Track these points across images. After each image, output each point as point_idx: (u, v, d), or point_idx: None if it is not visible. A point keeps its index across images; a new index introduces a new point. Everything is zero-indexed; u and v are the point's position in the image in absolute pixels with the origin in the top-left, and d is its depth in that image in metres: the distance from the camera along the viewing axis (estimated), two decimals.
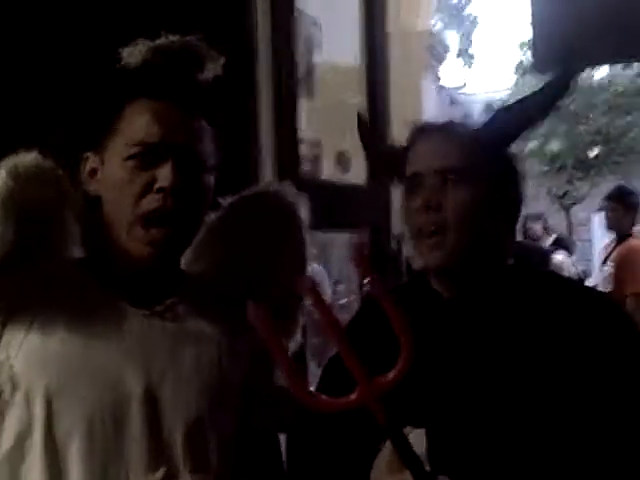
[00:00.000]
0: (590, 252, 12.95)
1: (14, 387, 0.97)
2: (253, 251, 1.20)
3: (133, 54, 1.04)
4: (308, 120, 2.16)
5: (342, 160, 2.19)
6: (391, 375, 0.86)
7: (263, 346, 1.11)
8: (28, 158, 1.01)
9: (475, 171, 1.08)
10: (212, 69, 1.08)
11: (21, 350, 0.98)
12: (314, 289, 0.86)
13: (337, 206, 2.02)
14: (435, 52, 4.63)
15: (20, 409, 0.97)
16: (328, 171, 2.14)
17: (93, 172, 1.07)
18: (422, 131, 1.15)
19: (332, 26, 2.21)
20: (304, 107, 2.03)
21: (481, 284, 1.10)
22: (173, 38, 1.04)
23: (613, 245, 4.25)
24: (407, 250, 1.14)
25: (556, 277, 1.17)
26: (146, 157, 1.01)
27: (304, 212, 1.25)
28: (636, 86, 15.07)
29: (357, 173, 2.27)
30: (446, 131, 1.13)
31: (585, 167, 15.80)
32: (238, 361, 1.10)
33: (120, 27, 1.07)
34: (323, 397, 0.89)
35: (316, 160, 2.08)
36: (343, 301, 4.21)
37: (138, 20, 1.05)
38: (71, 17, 1.46)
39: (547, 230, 5.89)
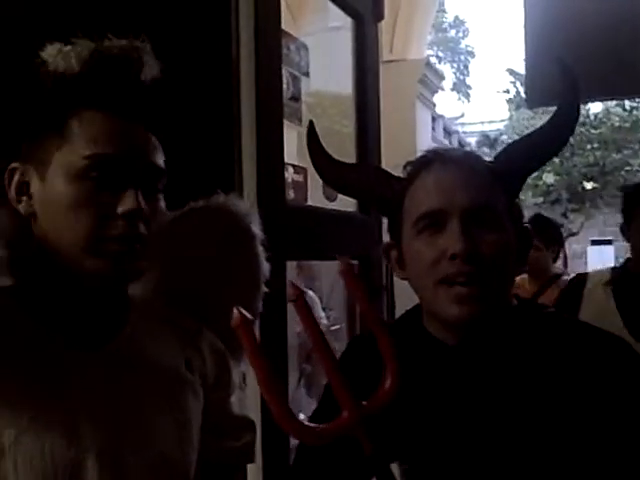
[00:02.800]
0: None
1: None
2: (200, 267, 1.10)
3: (68, 56, 0.91)
4: (298, 147, 2.12)
5: (329, 188, 2.15)
6: (377, 399, 0.80)
7: (216, 374, 1.05)
8: None
9: (500, 210, 0.99)
10: (150, 70, 0.96)
11: None
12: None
13: (324, 234, 1.98)
14: (429, 82, 4.63)
15: None
16: (314, 199, 2.10)
17: (23, 186, 0.93)
18: (434, 160, 1.02)
19: (323, 52, 2.19)
20: (294, 133, 1.99)
21: (489, 330, 1.00)
22: (116, 41, 0.93)
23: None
24: (423, 296, 1.03)
25: (562, 317, 1.08)
26: (103, 176, 0.89)
27: (256, 225, 1.15)
28: (632, 122, 15.21)
29: (344, 202, 2.23)
30: (467, 163, 1.01)
31: (580, 200, 15.88)
32: (196, 392, 1.01)
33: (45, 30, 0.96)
34: (308, 425, 0.81)
35: (302, 187, 2.03)
36: (334, 327, 4.17)
37: (119, 29, 0.96)
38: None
39: None
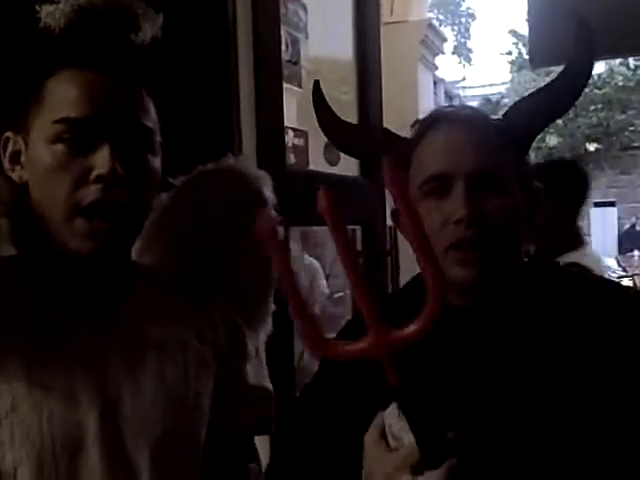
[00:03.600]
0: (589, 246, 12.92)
1: None
2: (214, 234, 1.06)
3: (53, 15, 0.87)
4: (298, 111, 2.08)
5: (330, 152, 2.11)
6: (411, 329, 0.72)
7: (229, 345, 1.03)
8: None
9: (508, 171, 0.96)
10: (150, 29, 0.91)
11: None
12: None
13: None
14: (431, 43, 4.56)
15: None
16: (315, 163, 2.06)
17: (16, 155, 0.91)
18: (441, 120, 0.99)
19: (322, 13, 2.14)
20: (294, 98, 1.95)
21: (501, 292, 0.98)
22: None
23: None
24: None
25: (572, 273, 1.05)
26: (77, 139, 0.85)
27: (268, 189, 1.11)
28: (636, 81, 15.05)
29: (346, 166, 2.19)
30: (472, 123, 0.98)
31: (583, 161, 15.79)
32: (206, 364, 0.99)
33: None
34: (333, 341, 0.76)
35: (303, 151, 2.00)
36: (337, 295, 4.17)
37: None
38: None
39: None
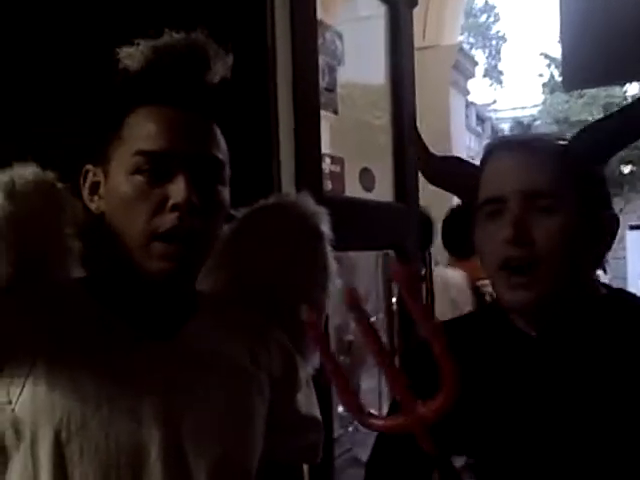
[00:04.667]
0: (625, 270, 12.71)
1: (17, 435, 0.87)
2: (271, 265, 1.11)
3: (134, 56, 0.95)
4: (332, 137, 2.11)
5: (366, 177, 2.13)
6: (437, 402, 0.78)
7: (282, 372, 1.06)
8: (26, 172, 0.92)
9: (566, 194, 0.96)
10: (221, 68, 0.99)
11: (23, 394, 0.88)
12: (358, 304, 0.80)
13: (362, 225, 1.96)
14: (462, 67, 4.57)
15: (25, 460, 0.87)
16: (351, 189, 2.09)
17: (95, 186, 0.98)
18: (501, 147, 1.03)
19: (356, 40, 2.17)
20: (328, 123, 1.98)
21: (572, 320, 0.98)
22: (177, 36, 0.95)
23: None
24: (490, 282, 1.02)
25: None
26: (155, 170, 0.92)
27: (325, 225, 1.16)
28: None
29: (381, 192, 2.21)
30: (531, 147, 1.01)
31: (618, 184, 15.60)
32: (260, 389, 1.02)
33: (125, 30, 0.98)
34: (371, 415, 0.83)
35: (339, 178, 2.02)
36: (371, 319, 4.15)
37: (147, 26, 0.97)
38: (69, 16, 1.40)
39: None
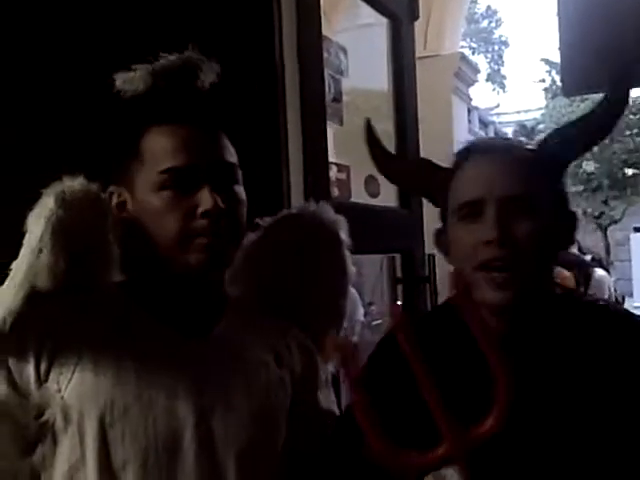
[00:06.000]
0: (630, 272, 12.72)
1: (66, 419, 0.96)
2: (294, 273, 1.20)
3: (131, 81, 1.03)
4: (337, 146, 2.19)
5: (371, 184, 2.21)
6: (487, 425, 0.75)
7: (304, 370, 1.13)
8: (75, 183, 1.00)
9: (539, 197, 1.01)
10: (208, 76, 1.06)
11: (71, 383, 0.97)
12: (405, 325, 0.78)
13: (369, 229, 2.03)
14: (464, 75, 4.64)
15: (73, 441, 0.96)
16: (357, 196, 2.16)
17: (121, 206, 1.06)
18: (477, 152, 1.05)
19: (356, 50, 2.25)
20: (334, 133, 2.05)
21: (534, 316, 1.02)
22: (172, 57, 1.04)
23: None
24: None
25: (605, 307, 1.08)
26: (180, 184, 1.00)
27: (344, 232, 1.24)
28: None
29: (386, 197, 2.28)
30: (507, 152, 1.04)
31: (621, 186, 15.60)
32: (284, 385, 1.10)
33: (140, 53, 1.06)
34: (406, 451, 0.79)
35: (345, 185, 2.10)
36: (376, 322, 4.21)
37: (161, 45, 1.05)
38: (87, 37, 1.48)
39: (582, 250, 5.81)
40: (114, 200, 1.06)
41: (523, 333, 1.02)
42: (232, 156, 1.07)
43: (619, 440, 0.93)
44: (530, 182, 1.00)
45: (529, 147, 1.08)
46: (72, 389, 0.96)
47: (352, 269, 1.25)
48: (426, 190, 1.14)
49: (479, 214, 1.00)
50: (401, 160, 1.22)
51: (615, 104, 1.05)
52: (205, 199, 1.00)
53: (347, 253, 1.24)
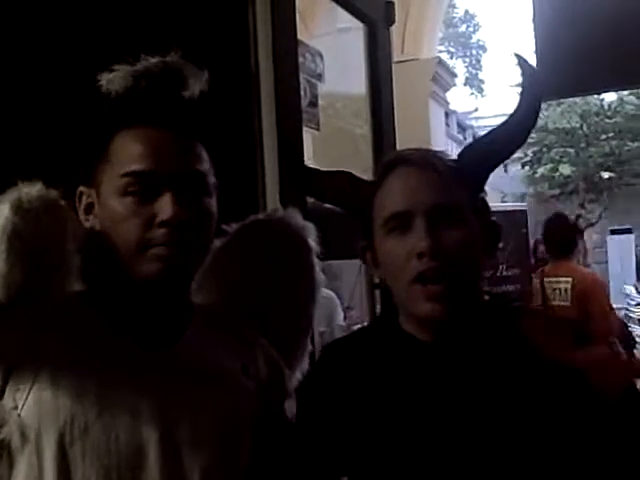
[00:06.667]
0: (607, 274, 12.85)
1: (23, 438, 0.92)
2: (261, 280, 1.17)
3: (114, 81, 0.99)
4: (314, 151, 2.18)
5: None
6: None
7: (270, 380, 1.10)
8: (33, 190, 0.97)
9: (466, 207, 1.02)
10: (197, 85, 1.03)
11: (29, 400, 0.92)
12: None
13: (346, 234, 2.02)
14: (441, 79, 4.66)
15: (30, 461, 0.92)
16: None
17: (90, 207, 1.02)
18: (403, 164, 1.04)
19: (333, 53, 2.25)
20: (310, 138, 2.05)
21: (462, 326, 1.02)
22: (153, 60, 1.00)
23: None
24: (397, 294, 1.03)
25: (529, 311, 1.12)
26: (143, 190, 0.96)
27: (313, 238, 1.22)
28: None
29: None
30: (431, 164, 1.03)
31: (597, 190, 15.77)
32: (250, 397, 1.06)
33: (117, 53, 1.03)
34: None
35: None
36: (355, 327, 4.21)
37: (137, 48, 1.02)
38: (63, 35, 1.44)
39: None
40: (84, 201, 1.03)
41: (452, 344, 1.02)
42: (204, 165, 1.02)
43: (552, 446, 0.94)
44: (454, 193, 1.01)
45: (449, 159, 1.08)
46: (29, 406, 0.92)
47: (321, 276, 1.23)
48: (348, 204, 1.13)
49: (408, 226, 1.00)
50: (323, 174, 1.20)
51: (525, 113, 1.06)
52: (165, 208, 0.95)
53: (316, 260, 1.22)
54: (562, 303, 3.81)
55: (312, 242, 1.21)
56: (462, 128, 16.52)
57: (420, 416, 0.99)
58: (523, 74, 1.07)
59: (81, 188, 1.03)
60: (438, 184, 1.01)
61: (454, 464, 0.95)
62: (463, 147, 1.10)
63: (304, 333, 1.23)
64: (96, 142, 1.02)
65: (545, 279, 3.99)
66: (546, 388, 0.97)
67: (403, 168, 1.04)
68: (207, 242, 1.04)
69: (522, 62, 1.09)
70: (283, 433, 1.11)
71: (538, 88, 1.08)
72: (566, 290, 3.82)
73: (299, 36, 1.89)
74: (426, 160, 1.04)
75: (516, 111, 1.07)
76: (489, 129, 1.10)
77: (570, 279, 3.81)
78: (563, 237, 3.96)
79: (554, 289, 3.93)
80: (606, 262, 14.08)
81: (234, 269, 1.16)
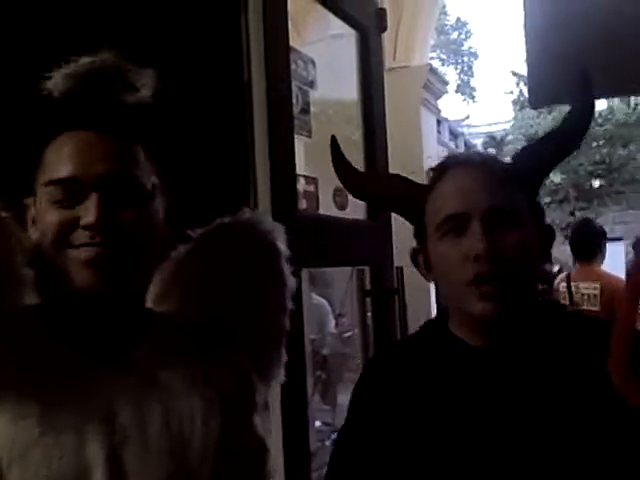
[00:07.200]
0: None
1: None
2: (228, 286, 1.10)
3: (53, 82, 0.94)
4: (307, 158, 2.18)
5: (339, 197, 2.21)
6: None
7: (237, 392, 1.03)
8: None
9: (522, 209, 1.01)
10: (140, 85, 0.97)
11: None
12: None
13: (337, 242, 2.03)
14: (433, 87, 4.67)
15: None
16: (325, 208, 2.15)
17: (34, 218, 0.97)
18: (458, 166, 1.04)
19: (325, 60, 2.25)
20: (300, 145, 2.05)
21: (514, 331, 1.01)
22: (90, 59, 0.95)
23: None
24: (451, 297, 1.03)
25: (584, 318, 1.08)
26: (69, 197, 0.91)
27: (282, 241, 1.14)
28: (636, 117, 15.20)
29: (355, 210, 2.28)
30: (487, 166, 1.02)
31: (588, 198, 15.85)
32: (213, 410, 1.00)
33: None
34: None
35: (313, 197, 2.10)
36: (346, 334, 4.21)
37: (127, 55, 0.98)
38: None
39: (550, 261, 5.88)
40: (30, 213, 0.98)
41: (502, 349, 1.01)
42: (139, 170, 0.96)
43: (606, 445, 0.93)
44: (511, 195, 1.00)
45: (503, 162, 1.07)
46: None
47: (292, 280, 1.15)
48: (404, 208, 1.11)
49: (463, 229, 0.99)
50: (370, 176, 1.19)
51: (581, 116, 1.05)
52: (88, 211, 0.90)
53: (286, 264, 1.14)
54: (591, 308, 3.86)
55: (281, 245, 1.14)
56: (454, 135, 16.56)
57: (468, 422, 0.98)
58: (578, 75, 1.05)
59: (26, 200, 0.99)
60: (494, 186, 1.00)
61: (509, 474, 0.94)
62: (518, 150, 1.08)
63: (277, 341, 1.15)
64: (32, 150, 0.97)
65: (572, 283, 4.04)
66: (606, 399, 0.93)
67: (457, 170, 1.03)
68: (147, 248, 0.97)
69: (574, 64, 1.08)
70: (251, 447, 1.06)
71: (591, 90, 1.05)
72: (595, 295, 3.89)
73: (291, 43, 1.89)
74: (481, 162, 1.03)
75: (571, 112, 1.05)
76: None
77: (598, 284, 3.88)
78: (591, 242, 4.05)
79: (582, 294, 4.00)
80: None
81: (199, 276, 1.09)
